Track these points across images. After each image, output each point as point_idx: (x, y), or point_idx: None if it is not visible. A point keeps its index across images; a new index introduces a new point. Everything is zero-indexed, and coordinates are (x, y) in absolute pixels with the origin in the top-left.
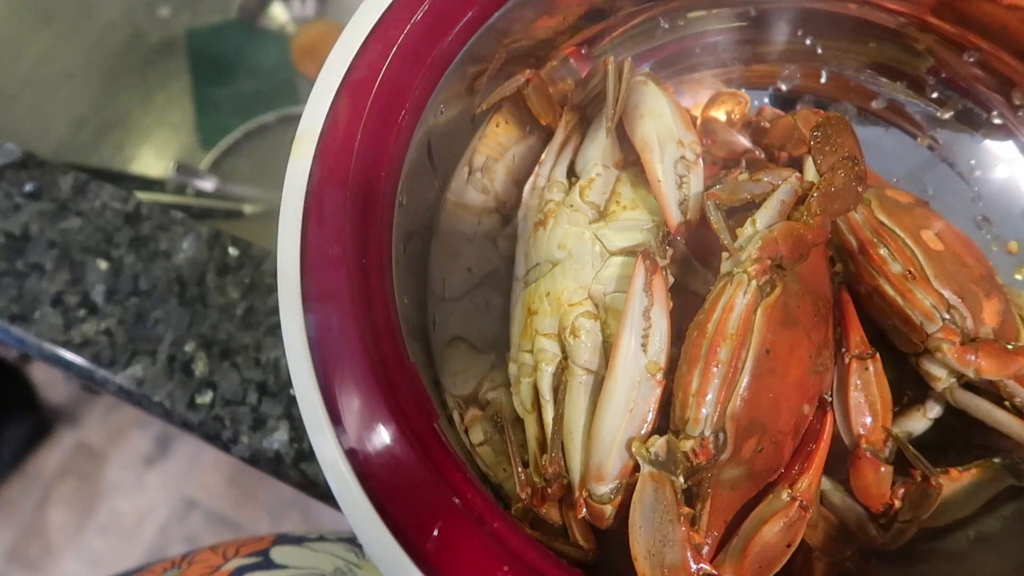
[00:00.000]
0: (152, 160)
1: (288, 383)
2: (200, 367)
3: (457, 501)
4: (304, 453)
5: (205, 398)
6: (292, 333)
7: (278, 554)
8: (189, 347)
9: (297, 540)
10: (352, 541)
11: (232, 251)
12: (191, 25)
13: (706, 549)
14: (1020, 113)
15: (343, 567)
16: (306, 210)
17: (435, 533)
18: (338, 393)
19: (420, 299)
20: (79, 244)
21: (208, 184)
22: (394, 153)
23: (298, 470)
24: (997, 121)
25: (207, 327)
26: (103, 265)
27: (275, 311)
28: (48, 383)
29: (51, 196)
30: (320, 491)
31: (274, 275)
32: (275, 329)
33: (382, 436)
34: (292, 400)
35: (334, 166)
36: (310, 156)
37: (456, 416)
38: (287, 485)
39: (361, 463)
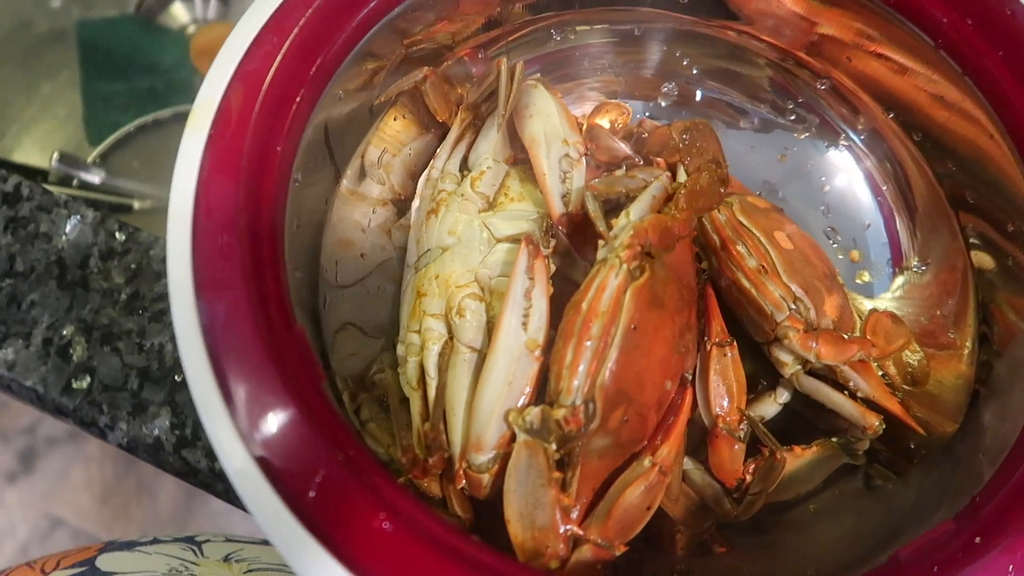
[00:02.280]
0: (35, 152)
1: (172, 369)
2: (79, 351)
3: (340, 456)
4: (186, 440)
5: (82, 383)
6: (183, 319)
7: (105, 562)
8: (67, 331)
9: (127, 545)
10: (190, 540)
11: (119, 236)
12: (83, 17)
13: (575, 512)
14: (863, 136)
15: (178, 567)
16: (199, 183)
17: (317, 480)
18: (229, 368)
19: (312, 279)
20: None
21: (94, 177)
22: (291, 131)
23: (179, 456)
24: (844, 143)
25: (88, 311)
26: None
27: (162, 297)
28: None
29: None
30: (201, 479)
31: (162, 261)
32: (161, 315)
33: (268, 394)
34: (175, 386)
35: (230, 140)
36: (204, 131)
37: (346, 397)
38: (167, 474)
39: (247, 424)
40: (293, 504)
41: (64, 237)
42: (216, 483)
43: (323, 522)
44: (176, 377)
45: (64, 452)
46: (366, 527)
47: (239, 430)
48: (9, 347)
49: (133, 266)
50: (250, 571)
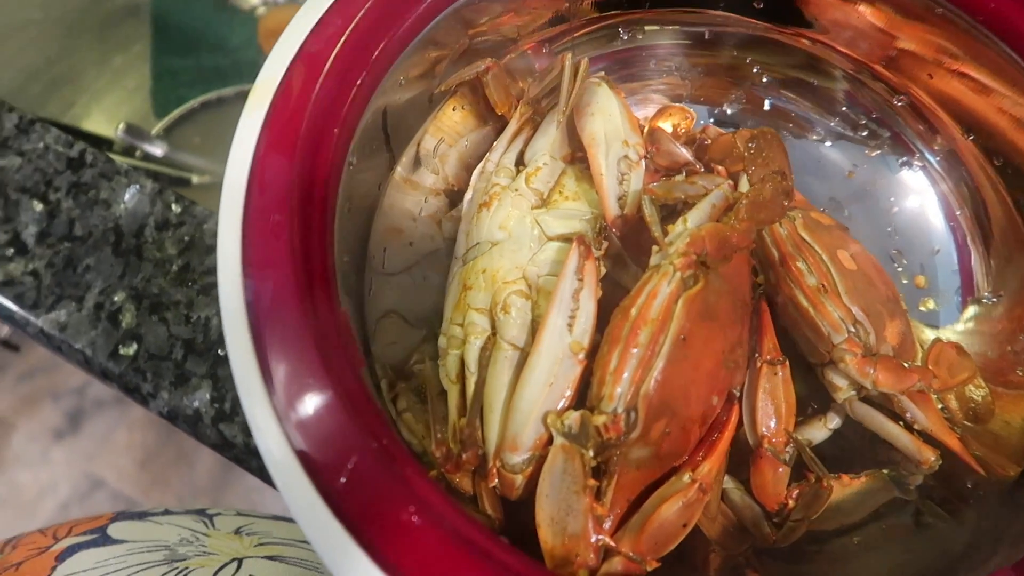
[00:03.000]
0: (102, 122)
1: (216, 343)
2: (127, 318)
3: (374, 445)
4: (224, 414)
5: (129, 350)
6: (229, 296)
7: (116, 530)
8: (118, 297)
9: (139, 515)
10: (201, 513)
11: (175, 208)
12: None
13: (608, 523)
14: (939, 158)
15: (189, 537)
16: (255, 162)
17: (349, 466)
18: (271, 348)
19: (359, 264)
20: (16, 183)
21: (157, 149)
22: (349, 114)
23: (216, 430)
24: (918, 163)
25: (139, 280)
26: (38, 207)
27: (211, 271)
28: None
29: None
30: (236, 454)
31: (215, 236)
32: (210, 288)
33: (307, 376)
34: (218, 360)
35: (288, 119)
36: (264, 108)
37: (384, 385)
38: (205, 446)
39: (284, 404)
40: (322, 487)
41: (122, 205)
42: (251, 459)
43: (351, 509)
44: (219, 351)
45: (110, 415)
46: (394, 518)
47: (275, 409)
48: (62, 309)
49: (186, 238)
50: (260, 544)
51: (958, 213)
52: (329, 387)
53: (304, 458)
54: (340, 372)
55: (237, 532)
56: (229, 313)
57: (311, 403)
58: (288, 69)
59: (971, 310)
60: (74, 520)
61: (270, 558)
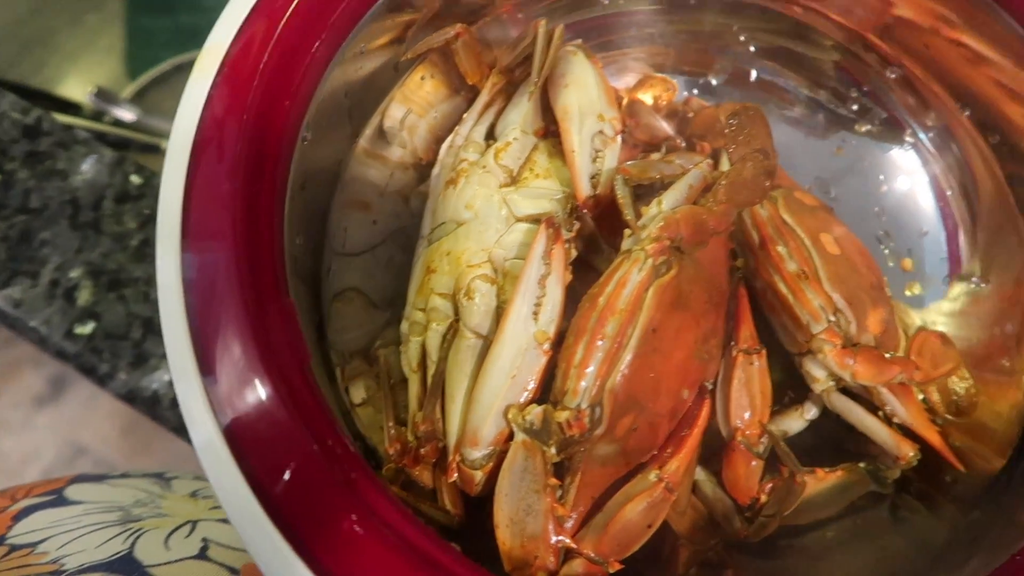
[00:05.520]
0: (74, 84)
1: None
2: (84, 296)
3: (315, 446)
4: None
5: (86, 328)
6: (167, 271)
7: (74, 491)
8: (75, 274)
9: (97, 478)
10: (159, 476)
11: (135, 179)
12: None
13: (570, 523)
14: (931, 135)
15: (144, 498)
16: (198, 134)
17: (286, 477)
18: (208, 333)
19: (316, 244)
20: None
21: (128, 114)
22: (303, 83)
23: (176, 413)
24: (909, 140)
25: (97, 255)
26: None
27: None
28: None
29: None
30: None
31: None
32: None
33: (246, 374)
34: None
35: (235, 89)
36: (211, 76)
37: (339, 373)
38: (165, 429)
39: (222, 403)
40: (260, 491)
41: (80, 176)
42: None
43: (290, 515)
44: None
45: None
46: (336, 526)
47: (211, 405)
48: (17, 285)
49: (147, 211)
50: (216, 507)
51: (948, 193)
52: (270, 384)
53: (241, 459)
54: (283, 367)
55: (193, 495)
56: (165, 290)
57: (250, 401)
58: (237, 34)
59: (959, 291)
60: (34, 482)
61: (225, 521)
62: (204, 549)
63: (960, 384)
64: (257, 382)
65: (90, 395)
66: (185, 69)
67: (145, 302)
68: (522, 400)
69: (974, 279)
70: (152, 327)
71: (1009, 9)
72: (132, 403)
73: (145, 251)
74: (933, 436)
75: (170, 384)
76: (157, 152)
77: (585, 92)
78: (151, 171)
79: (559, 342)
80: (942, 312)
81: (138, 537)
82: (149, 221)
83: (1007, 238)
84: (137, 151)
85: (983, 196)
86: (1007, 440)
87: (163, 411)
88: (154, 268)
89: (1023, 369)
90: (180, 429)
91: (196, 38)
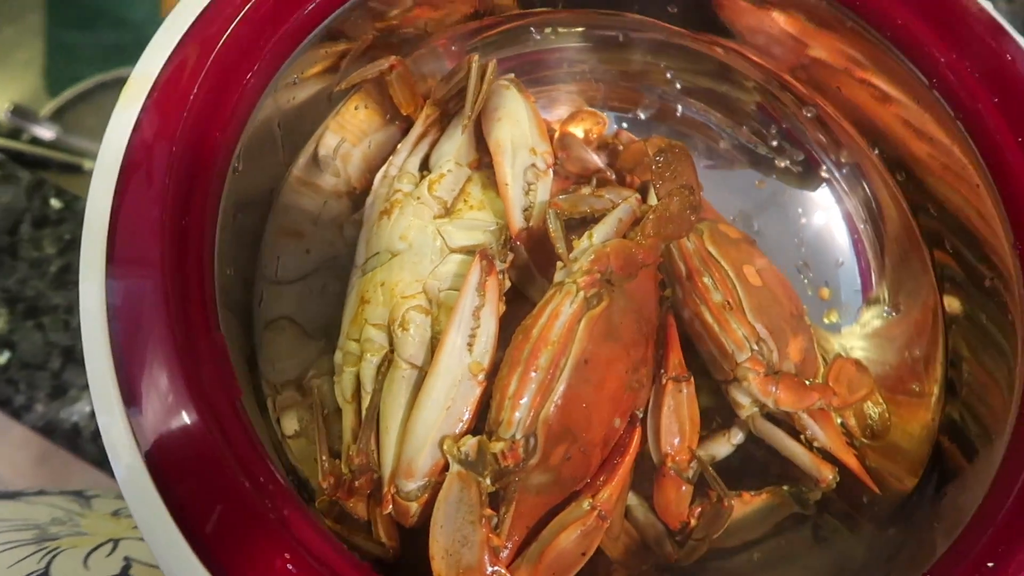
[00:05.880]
0: None
1: None
2: None
3: (247, 483)
4: None
5: (0, 358)
6: (90, 296)
7: None
8: None
9: (11, 495)
10: (78, 494)
11: (55, 203)
12: None
13: (505, 552)
14: (844, 171)
15: (62, 516)
16: (125, 163)
17: (215, 514)
18: (132, 363)
19: (247, 276)
20: None
21: (47, 132)
22: (234, 114)
23: (97, 445)
24: (825, 176)
25: (13, 281)
26: None
27: None
28: None
29: None
30: None
31: None
32: None
33: (174, 408)
34: None
35: (164, 118)
36: (139, 104)
37: (270, 403)
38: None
39: (149, 438)
40: (187, 529)
41: None
42: None
43: (219, 553)
44: None
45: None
46: (268, 565)
47: (136, 435)
48: None
49: (67, 237)
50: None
51: (861, 227)
52: (198, 416)
53: (168, 495)
54: (212, 399)
55: (115, 514)
56: (88, 315)
57: (178, 433)
58: (168, 60)
59: (872, 318)
60: None
61: None
62: (126, 568)
63: (874, 409)
64: (184, 414)
65: (4, 424)
66: (110, 87)
67: (65, 331)
68: (457, 431)
69: (885, 307)
70: (72, 356)
71: (915, 61)
72: (50, 436)
73: (65, 278)
74: (850, 459)
75: (92, 416)
76: (79, 172)
77: (518, 126)
78: (72, 194)
79: (494, 373)
80: (858, 337)
81: (55, 556)
82: (69, 247)
83: (913, 268)
84: (57, 171)
85: (890, 229)
86: (918, 460)
87: (84, 444)
88: (76, 294)
89: (931, 392)
90: (103, 463)
91: (121, 55)
